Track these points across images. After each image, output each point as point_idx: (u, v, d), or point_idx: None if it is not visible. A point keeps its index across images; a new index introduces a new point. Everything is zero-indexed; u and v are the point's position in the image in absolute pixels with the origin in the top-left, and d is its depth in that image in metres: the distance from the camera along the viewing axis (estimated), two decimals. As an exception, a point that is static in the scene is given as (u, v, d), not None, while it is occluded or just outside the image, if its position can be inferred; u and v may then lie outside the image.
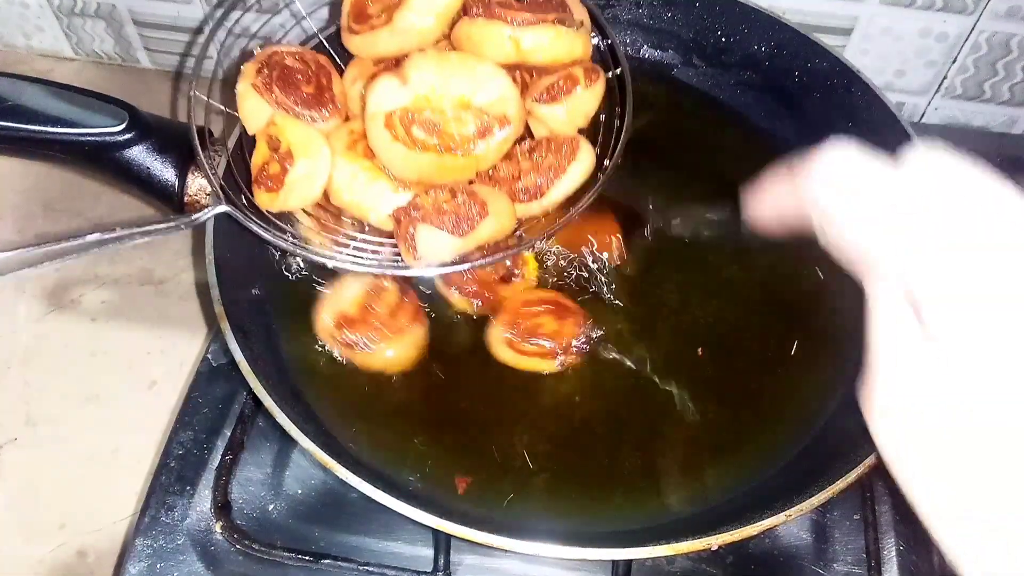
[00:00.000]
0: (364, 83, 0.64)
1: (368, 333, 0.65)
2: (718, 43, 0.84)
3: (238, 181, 0.66)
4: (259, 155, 0.62)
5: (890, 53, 0.91)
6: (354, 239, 0.62)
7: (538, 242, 0.59)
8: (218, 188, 0.62)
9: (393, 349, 0.66)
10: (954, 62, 0.91)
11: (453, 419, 0.67)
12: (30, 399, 0.80)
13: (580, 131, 0.64)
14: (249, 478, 0.68)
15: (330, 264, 0.60)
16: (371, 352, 0.65)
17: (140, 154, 0.69)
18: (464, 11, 0.62)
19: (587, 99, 0.63)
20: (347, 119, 0.65)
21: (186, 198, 0.71)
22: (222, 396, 0.71)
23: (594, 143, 0.63)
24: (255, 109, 0.63)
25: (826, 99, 0.79)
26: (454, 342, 0.69)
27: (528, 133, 0.65)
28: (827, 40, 0.79)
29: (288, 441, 0.67)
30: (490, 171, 0.61)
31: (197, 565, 0.63)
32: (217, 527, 0.64)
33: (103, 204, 0.95)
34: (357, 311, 0.66)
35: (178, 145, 0.71)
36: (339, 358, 0.67)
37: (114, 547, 0.72)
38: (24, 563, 0.72)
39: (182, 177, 0.70)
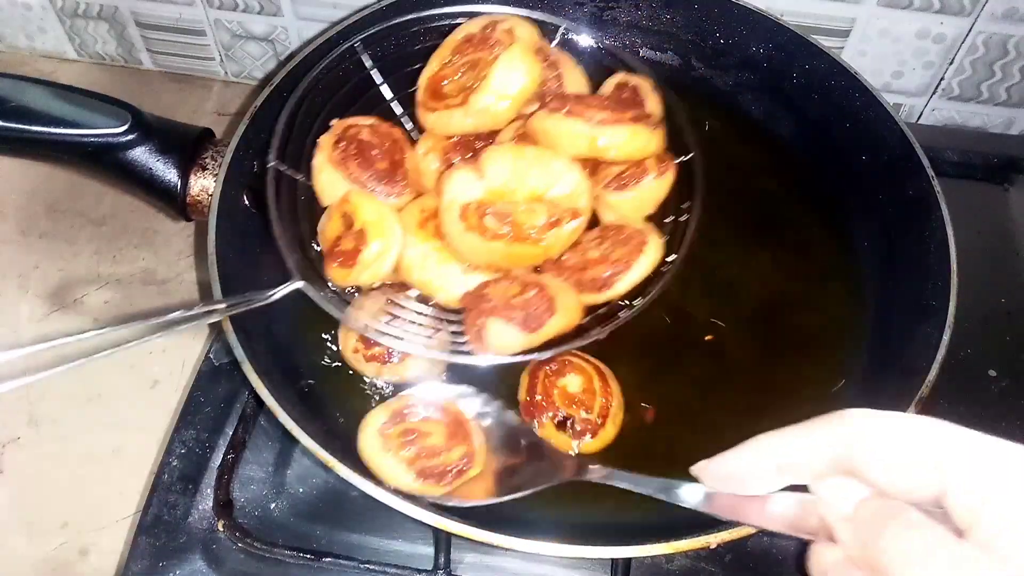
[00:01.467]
0: (437, 156, 0.66)
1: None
2: (716, 45, 0.84)
3: (241, 184, 0.67)
4: (332, 230, 0.63)
5: (888, 54, 0.91)
6: (412, 312, 0.62)
7: (601, 335, 0.59)
8: (294, 264, 0.61)
9: (421, 358, 0.65)
10: (951, 63, 0.91)
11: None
12: (33, 399, 0.81)
13: (649, 218, 0.65)
14: (251, 477, 0.68)
15: (399, 347, 0.60)
16: (400, 364, 0.65)
17: (142, 155, 0.69)
18: (541, 102, 0.63)
19: (657, 188, 0.64)
20: (418, 195, 0.66)
21: (188, 199, 0.71)
22: (224, 395, 0.71)
23: (660, 224, 0.64)
24: (330, 182, 0.64)
25: (824, 100, 0.80)
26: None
27: (595, 219, 0.65)
28: (825, 42, 0.80)
29: (289, 440, 0.67)
30: (558, 259, 0.62)
31: (199, 563, 0.64)
32: (219, 526, 0.65)
33: (105, 205, 0.95)
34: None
35: (180, 146, 0.71)
36: (363, 376, 0.67)
37: (116, 546, 0.72)
38: (27, 562, 0.72)
39: (184, 178, 0.71)
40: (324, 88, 0.69)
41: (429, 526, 0.53)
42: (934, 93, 0.96)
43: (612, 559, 0.63)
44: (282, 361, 0.66)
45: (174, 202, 0.71)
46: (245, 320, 0.62)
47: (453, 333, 0.61)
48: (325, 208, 0.66)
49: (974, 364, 0.76)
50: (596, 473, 0.55)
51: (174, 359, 0.83)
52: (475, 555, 0.65)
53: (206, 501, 0.66)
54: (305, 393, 0.66)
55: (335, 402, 0.67)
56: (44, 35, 1.07)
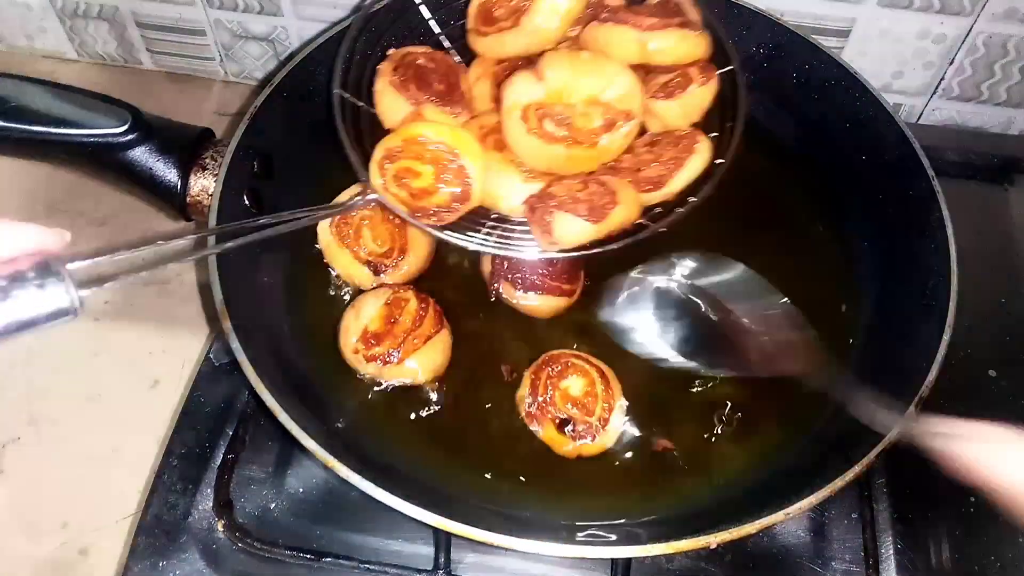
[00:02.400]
0: (488, 81, 0.69)
1: (394, 345, 0.65)
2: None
3: (241, 184, 0.67)
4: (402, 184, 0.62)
5: (888, 54, 0.91)
6: (483, 224, 0.63)
7: (660, 228, 0.62)
8: (362, 168, 0.62)
9: (421, 357, 0.66)
10: (951, 63, 0.91)
11: (454, 415, 0.67)
12: (33, 399, 0.81)
13: (694, 125, 0.67)
14: (251, 477, 0.68)
15: (471, 247, 0.61)
16: (400, 365, 0.66)
17: (143, 155, 0.69)
18: (592, 15, 0.66)
19: (701, 95, 0.67)
20: (473, 116, 0.68)
21: (188, 199, 0.71)
22: (224, 395, 0.71)
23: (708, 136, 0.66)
24: (392, 105, 0.67)
25: (824, 100, 0.80)
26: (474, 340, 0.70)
27: (642, 129, 0.67)
28: (825, 42, 0.80)
29: (289, 440, 0.66)
30: (613, 163, 0.64)
31: (199, 563, 0.64)
32: (219, 526, 0.65)
33: (106, 205, 0.95)
34: (381, 325, 0.67)
35: (180, 146, 0.71)
36: (363, 376, 0.67)
37: (116, 546, 0.72)
38: (27, 562, 0.72)
39: (184, 178, 0.71)
40: (373, 27, 0.71)
41: (429, 526, 0.53)
42: (934, 93, 0.96)
43: (612, 559, 0.63)
44: (282, 361, 0.66)
45: (174, 202, 0.72)
46: (245, 320, 0.62)
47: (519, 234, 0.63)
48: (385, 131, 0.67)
49: (974, 364, 0.76)
50: None
51: (174, 359, 0.83)
52: (475, 555, 0.65)
53: (206, 501, 0.66)
54: (305, 393, 0.66)
55: (335, 402, 0.67)
56: (44, 35, 1.07)
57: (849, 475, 0.55)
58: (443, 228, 0.61)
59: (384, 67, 0.68)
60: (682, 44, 0.64)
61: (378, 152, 0.61)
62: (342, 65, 0.67)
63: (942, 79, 0.94)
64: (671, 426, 0.67)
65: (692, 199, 0.62)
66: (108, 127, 0.68)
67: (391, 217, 0.71)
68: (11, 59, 1.09)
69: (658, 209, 0.63)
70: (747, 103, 0.66)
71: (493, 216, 0.63)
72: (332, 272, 0.73)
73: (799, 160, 0.83)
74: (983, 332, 0.78)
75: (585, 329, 0.71)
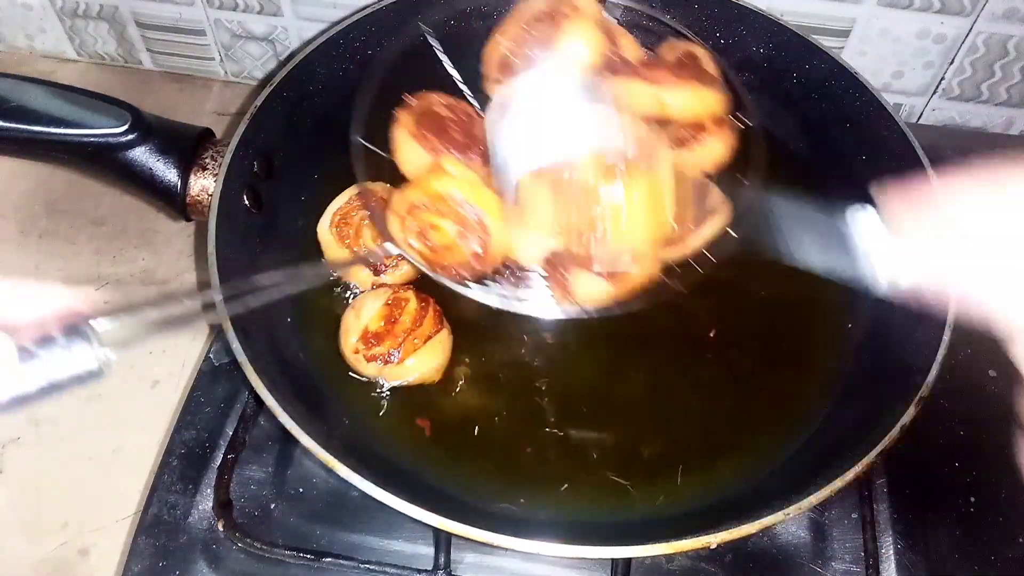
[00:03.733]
0: None
1: (395, 345, 0.65)
2: (716, 45, 0.84)
3: (241, 184, 0.66)
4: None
5: (888, 54, 0.91)
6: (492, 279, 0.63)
7: (678, 288, 0.61)
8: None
9: (422, 357, 0.66)
10: (951, 63, 0.91)
11: (454, 411, 0.67)
12: (33, 399, 0.81)
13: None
14: (251, 477, 0.68)
15: (483, 300, 0.61)
16: (400, 365, 0.65)
17: (143, 155, 0.69)
18: (610, 70, 0.66)
19: (716, 148, 0.67)
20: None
21: (188, 199, 0.71)
22: (224, 395, 0.71)
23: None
24: (411, 154, 0.66)
25: (824, 100, 0.80)
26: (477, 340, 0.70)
27: None
28: (825, 41, 0.80)
29: (289, 440, 0.67)
30: None
31: (199, 563, 0.64)
32: (219, 525, 0.65)
33: (105, 205, 0.95)
34: (381, 325, 0.67)
35: (180, 146, 0.71)
36: (363, 377, 0.67)
37: (116, 546, 0.72)
38: (27, 562, 0.72)
39: (184, 178, 0.71)
40: (388, 69, 0.69)
41: (429, 526, 0.53)
42: (934, 93, 0.96)
43: (612, 559, 0.63)
44: (282, 361, 0.66)
45: (174, 202, 0.71)
46: (245, 320, 0.62)
47: (538, 287, 0.63)
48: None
49: (974, 364, 0.76)
50: None
51: (174, 359, 0.83)
52: (475, 555, 0.65)
53: (206, 501, 0.66)
54: (305, 393, 0.66)
55: (335, 402, 0.67)
56: (44, 35, 1.07)
57: (849, 475, 0.55)
58: (462, 282, 0.61)
59: (402, 115, 0.68)
60: (698, 99, 0.64)
61: (400, 205, 0.61)
62: (362, 112, 0.65)
63: (942, 79, 0.94)
64: (671, 425, 0.67)
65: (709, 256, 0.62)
66: (108, 127, 0.68)
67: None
68: (11, 59, 1.09)
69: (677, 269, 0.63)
70: (763, 161, 0.65)
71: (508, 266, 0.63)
72: (332, 272, 0.73)
73: (799, 160, 0.83)
74: (983, 332, 0.78)
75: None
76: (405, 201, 0.61)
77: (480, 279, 0.62)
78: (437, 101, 0.69)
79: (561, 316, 0.61)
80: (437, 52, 0.72)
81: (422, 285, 0.72)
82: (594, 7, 0.69)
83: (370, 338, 0.66)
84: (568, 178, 0.59)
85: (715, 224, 0.63)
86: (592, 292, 0.60)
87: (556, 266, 0.61)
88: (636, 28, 0.76)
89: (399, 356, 0.65)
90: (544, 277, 0.62)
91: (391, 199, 0.62)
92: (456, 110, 0.69)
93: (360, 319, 0.67)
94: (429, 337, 0.66)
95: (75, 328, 0.38)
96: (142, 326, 0.42)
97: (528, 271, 0.63)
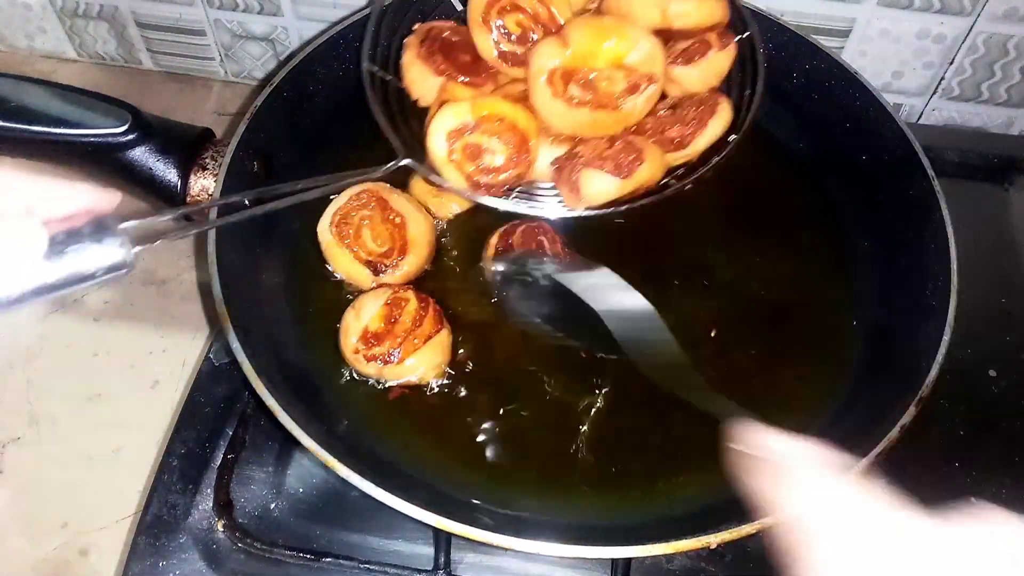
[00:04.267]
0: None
1: (395, 345, 0.65)
2: (717, 45, 0.84)
3: (241, 184, 0.66)
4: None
5: (888, 54, 0.91)
6: (510, 193, 0.65)
7: (685, 186, 0.64)
8: (398, 142, 0.64)
9: (422, 357, 0.66)
10: (951, 63, 0.91)
11: (454, 412, 0.67)
12: (33, 398, 0.81)
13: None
14: (251, 477, 0.68)
15: (502, 207, 0.63)
16: (400, 364, 0.65)
17: (143, 155, 0.69)
18: None
19: (720, 61, 0.68)
20: (501, 83, 0.69)
21: (188, 198, 0.71)
22: (224, 395, 0.71)
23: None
24: (420, 76, 0.68)
25: (824, 100, 0.80)
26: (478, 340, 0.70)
27: (663, 95, 0.68)
28: (825, 42, 0.80)
29: (289, 440, 0.66)
30: (637, 126, 0.65)
31: (199, 563, 0.64)
32: (219, 526, 0.65)
33: (105, 205, 0.95)
34: (381, 325, 0.66)
35: (180, 146, 0.71)
36: (364, 377, 0.67)
37: (116, 546, 0.72)
38: (27, 562, 0.72)
39: (184, 178, 0.71)
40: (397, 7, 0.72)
41: (429, 526, 0.53)
42: (934, 93, 0.96)
43: (612, 559, 0.63)
44: (282, 361, 0.66)
45: (174, 202, 0.72)
46: (245, 320, 0.62)
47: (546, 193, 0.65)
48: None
49: (974, 364, 0.76)
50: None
51: (174, 359, 0.83)
52: (475, 555, 0.65)
53: (206, 501, 0.66)
54: (305, 393, 0.66)
55: (335, 402, 0.67)
56: (44, 35, 1.07)
57: (849, 475, 0.55)
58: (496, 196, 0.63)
59: (411, 40, 0.70)
60: (702, 7, 0.65)
61: (448, 122, 0.62)
62: (370, 40, 0.68)
63: (942, 79, 0.94)
64: (671, 425, 0.67)
65: (716, 158, 0.64)
66: (108, 127, 0.68)
67: (391, 217, 0.71)
68: (11, 59, 1.09)
69: (680, 170, 0.65)
70: (765, 69, 0.68)
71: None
72: (332, 271, 0.73)
73: (799, 160, 0.83)
74: (983, 332, 0.78)
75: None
76: (456, 119, 0.62)
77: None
78: (445, 27, 0.71)
79: (572, 215, 0.63)
80: None
81: (422, 285, 0.72)
82: None
83: (370, 338, 0.66)
84: (577, 84, 0.61)
85: (718, 125, 0.64)
86: (601, 189, 0.61)
87: (564, 168, 0.63)
88: None
89: (399, 356, 0.65)
90: (548, 184, 0.65)
91: (432, 121, 0.63)
92: (463, 34, 0.70)
93: (360, 319, 0.67)
94: (429, 337, 0.66)
95: (103, 223, 0.40)
96: (166, 226, 0.45)
97: (535, 180, 0.65)
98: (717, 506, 0.62)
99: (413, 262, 0.71)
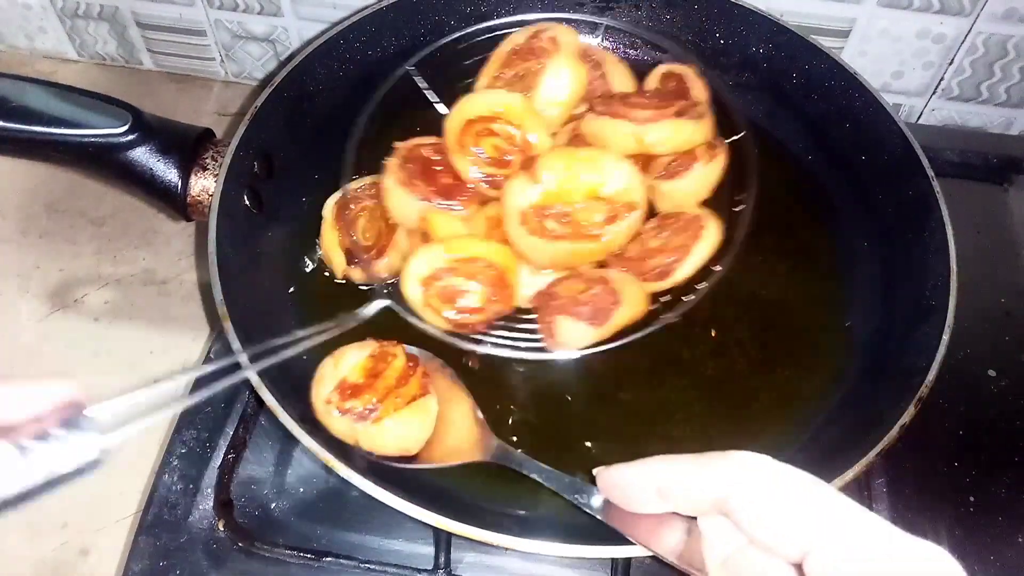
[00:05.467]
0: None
1: (374, 399, 0.58)
2: (716, 45, 0.84)
3: (241, 184, 0.67)
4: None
5: (887, 55, 0.92)
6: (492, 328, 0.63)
7: (671, 319, 0.61)
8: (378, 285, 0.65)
9: (403, 420, 0.58)
10: (951, 64, 0.92)
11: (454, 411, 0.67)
12: (33, 399, 0.81)
13: (705, 202, 0.67)
14: (251, 477, 0.68)
15: (480, 350, 0.61)
16: (377, 424, 0.58)
17: (143, 155, 0.69)
18: (589, 103, 0.67)
19: (708, 173, 0.66)
20: (483, 203, 0.67)
21: (188, 199, 0.71)
22: (224, 395, 0.71)
23: (720, 209, 0.66)
24: (401, 202, 0.67)
25: (824, 100, 0.80)
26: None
27: (652, 210, 0.67)
28: (825, 42, 0.80)
29: (290, 440, 0.67)
30: (619, 252, 0.64)
31: (200, 563, 0.64)
32: (219, 525, 0.65)
33: (106, 205, 0.95)
34: (362, 377, 0.60)
35: (181, 146, 0.71)
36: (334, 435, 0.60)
37: (116, 546, 0.72)
38: (26, 562, 0.72)
39: (185, 178, 0.71)
40: (380, 111, 0.71)
41: (429, 526, 0.53)
42: (934, 93, 0.96)
43: (612, 559, 0.63)
44: (282, 361, 0.66)
45: (174, 202, 0.72)
46: (245, 320, 0.62)
47: (528, 331, 0.63)
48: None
49: (974, 364, 0.76)
50: (509, 459, 0.57)
51: (175, 359, 0.83)
52: (475, 555, 0.65)
53: (206, 501, 0.66)
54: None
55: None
56: (44, 35, 1.07)
57: (849, 475, 0.55)
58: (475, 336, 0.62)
59: (391, 164, 0.67)
60: (678, 134, 0.64)
61: (422, 268, 0.61)
62: (351, 162, 0.67)
63: (942, 79, 0.94)
64: (671, 425, 0.67)
65: (702, 287, 0.62)
66: (108, 127, 0.68)
67: (388, 216, 0.71)
68: (11, 59, 1.09)
69: (667, 297, 0.63)
70: (757, 179, 0.65)
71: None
72: (318, 251, 0.73)
73: (799, 160, 0.83)
74: (983, 332, 0.78)
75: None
76: (430, 265, 0.61)
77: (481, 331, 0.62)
78: (426, 144, 0.69)
79: (553, 358, 0.61)
80: (423, 90, 0.73)
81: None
82: (574, 40, 0.69)
83: (347, 388, 0.59)
84: (553, 218, 0.60)
85: (703, 251, 0.63)
86: (576, 337, 0.60)
87: (541, 310, 0.61)
88: (626, 48, 0.78)
89: (377, 414, 0.57)
90: (536, 315, 0.62)
91: (406, 266, 0.62)
92: (443, 151, 0.68)
93: (339, 368, 0.60)
94: (414, 398, 0.59)
95: (71, 419, 0.38)
96: (138, 410, 0.42)
97: (519, 315, 0.63)
98: (717, 506, 0.63)
99: (386, 266, 0.70)
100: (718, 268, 0.62)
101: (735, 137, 0.68)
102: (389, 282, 0.68)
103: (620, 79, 0.74)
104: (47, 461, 0.36)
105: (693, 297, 0.61)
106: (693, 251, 0.62)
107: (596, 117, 0.65)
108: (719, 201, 0.67)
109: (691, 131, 0.64)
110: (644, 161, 0.66)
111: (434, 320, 0.62)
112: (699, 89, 0.71)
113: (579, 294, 0.61)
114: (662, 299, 0.63)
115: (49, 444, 0.36)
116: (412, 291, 0.61)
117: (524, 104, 0.65)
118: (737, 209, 0.65)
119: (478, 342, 0.61)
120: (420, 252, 0.62)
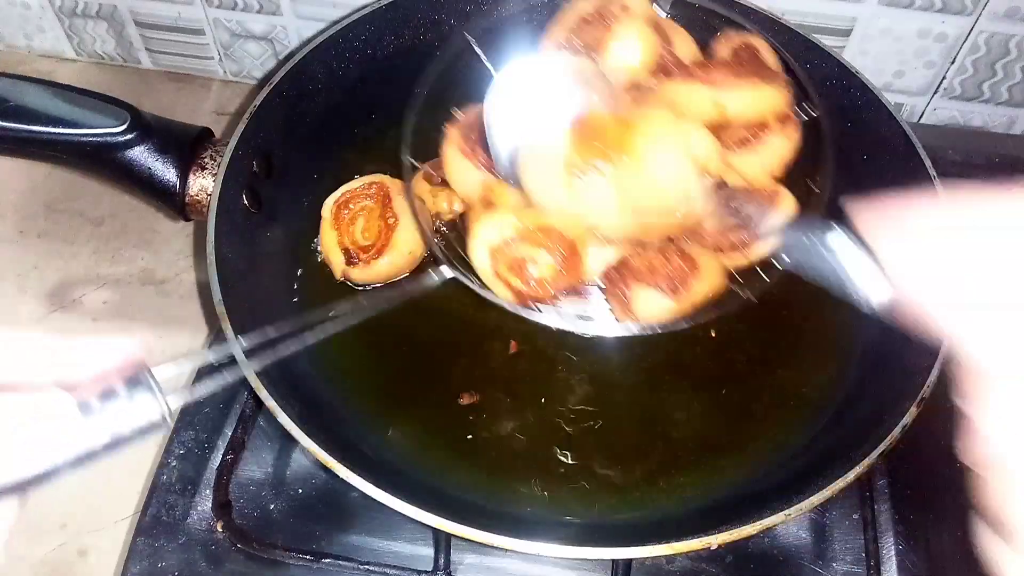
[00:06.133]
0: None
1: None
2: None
3: (240, 184, 0.66)
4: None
5: (889, 54, 0.91)
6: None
7: (751, 297, 0.58)
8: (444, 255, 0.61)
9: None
10: (953, 63, 0.91)
11: (454, 411, 0.67)
12: (31, 399, 0.80)
13: (782, 181, 0.64)
14: (250, 477, 0.68)
15: (554, 325, 0.58)
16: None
17: (141, 155, 0.69)
18: (664, 72, 0.64)
19: (781, 147, 0.63)
20: None
21: (188, 198, 0.71)
22: (223, 396, 0.71)
23: (792, 189, 0.63)
24: (462, 171, 0.64)
25: (825, 99, 0.79)
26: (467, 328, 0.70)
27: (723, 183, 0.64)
28: (826, 41, 0.79)
29: (289, 441, 0.67)
30: (692, 229, 0.60)
31: (198, 564, 0.63)
32: (218, 526, 0.65)
33: (104, 204, 0.95)
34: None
35: (179, 146, 0.71)
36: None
37: (115, 546, 0.72)
38: (26, 562, 0.72)
39: (183, 178, 0.70)
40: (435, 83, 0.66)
41: (429, 527, 0.53)
42: (936, 92, 0.96)
43: (612, 559, 0.63)
44: (282, 361, 0.66)
45: (173, 202, 0.71)
46: (245, 320, 0.61)
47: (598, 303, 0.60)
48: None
49: (975, 364, 0.76)
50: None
51: (173, 359, 0.83)
52: (475, 556, 0.65)
53: (205, 502, 0.66)
54: (305, 393, 0.66)
55: (335, 402, 0.67)
56: (43, 34, 1.06)
57: (851, 475, 0.55)
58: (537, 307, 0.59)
59: (451, 131, 0.65)
60: (759, 99, 0.61)
61: (491, 236, 0.58)
62: (411, 130, 0.63)
63: (943, 78, 0.93)
64: (672, 426, 0.67)
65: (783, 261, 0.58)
66: (107, 126, 0.68)
67: (387, 216, 0.71)
68: (9, 58, 1.09)
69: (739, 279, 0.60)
70: (832, 156, 0.62)
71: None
72: (318, 250, 0.73)
73: (799, 160, 0.82)
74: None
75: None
76: (499, 235, 0.58)
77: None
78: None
79: (626, 333, 0.58)
80: (483, 60, 0.68)
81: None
82: (645, 5, 0.67)
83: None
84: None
85: (781, 224, 0.59)
86: (655, 308, 0.57)
87: (615, 281, 0.59)
88: (691, 22, 0.73)
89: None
90: (603, 291, 0.60)
91: (473, 235, 0.59)
92: None
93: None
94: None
95: (136, 379, 0.37)
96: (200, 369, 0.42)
97: (586, 287, 0.60)
98: (718, 506, 0.62)
99: (385, 265, 0.70)
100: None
101: (812, 112, 0.65)
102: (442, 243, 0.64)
103: (685, 49, 0.70)
104: (111, 420, 0.36)
105: (774, 274, 0.58)
106: (772, 225, 0.59)
107: (672, 82, 0.62)
108: (792, 181, 0.64)
109: (773, 97, 0.61)
110: (715, 133, 0.62)
111: (500, 291, 0.59)
112: (772, 60, 0.68)
113: (655, 264, 0.58)
114: (734, 281, 0.60)
115: (114, 403, 0.36)
116: (481, 260, 0.59)
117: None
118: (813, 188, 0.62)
119: (541, 312, 0.58)
120: (488, 220, 0.59)
